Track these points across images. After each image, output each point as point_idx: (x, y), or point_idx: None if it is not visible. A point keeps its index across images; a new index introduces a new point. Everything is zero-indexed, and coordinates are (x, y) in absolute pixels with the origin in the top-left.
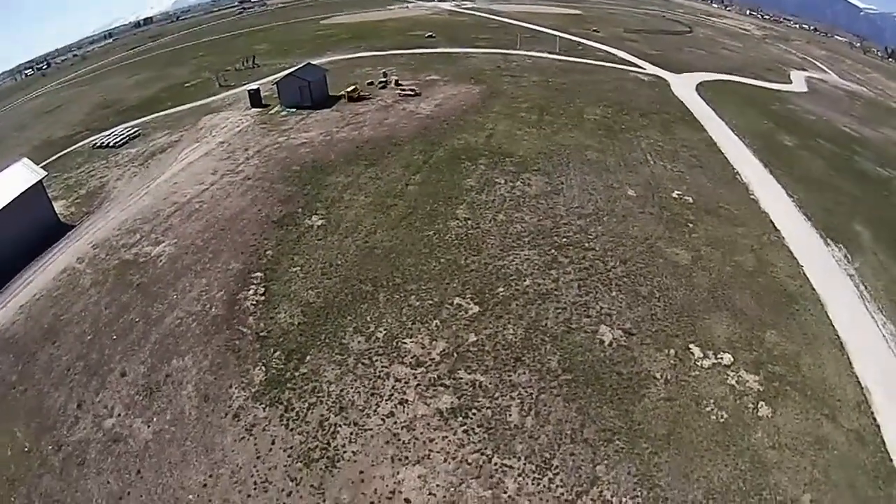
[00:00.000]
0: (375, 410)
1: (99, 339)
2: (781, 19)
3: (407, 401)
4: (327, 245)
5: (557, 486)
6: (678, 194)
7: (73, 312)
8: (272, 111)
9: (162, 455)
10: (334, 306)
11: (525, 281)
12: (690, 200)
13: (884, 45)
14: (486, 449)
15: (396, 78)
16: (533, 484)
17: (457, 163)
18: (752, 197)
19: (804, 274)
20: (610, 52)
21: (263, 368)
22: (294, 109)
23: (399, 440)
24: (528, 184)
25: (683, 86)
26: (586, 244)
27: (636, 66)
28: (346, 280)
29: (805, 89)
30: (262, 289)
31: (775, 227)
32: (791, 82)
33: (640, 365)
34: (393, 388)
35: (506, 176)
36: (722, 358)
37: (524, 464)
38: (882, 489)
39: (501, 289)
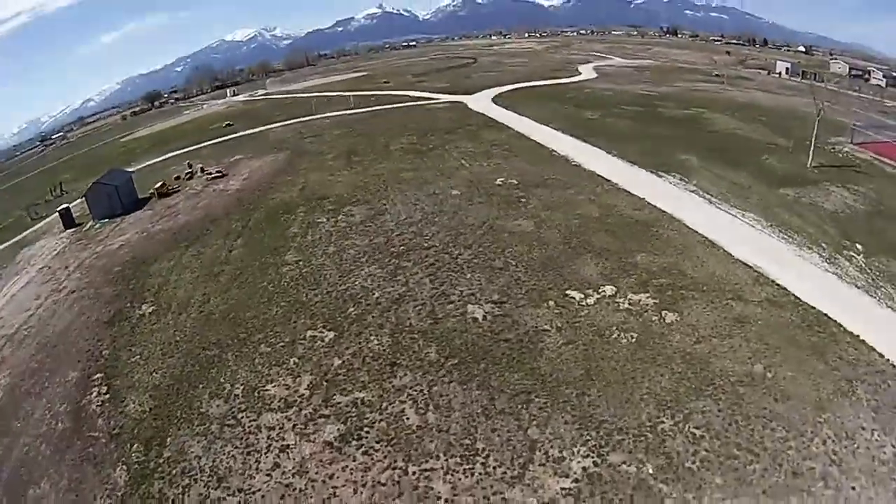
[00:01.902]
0: (257, 468)
1: None
2: (560, 32)
3: (288, 445)
4: (162, 327)
5: (495, 468)
6: (502, 181)
7: None
8: (86, 228)
9: None
10: (183, 381)
11: (374, 294)
12: (515, 182)
13: (659, 25)
14: (396, 462)
15: (202, 165)
16: (466, 476)
17: (275, 218)
18: (573, 164)
19: (650, 204)
20: (403, 95)
21: (125, 467)
22: (107, 220)
23: (295, 490)
24: (351, 215)
25: (479, 102)
26: (425, 245)
27: (431, 98)
28: (188, 353)
29: (595, 75)
30: (105, 388)
31: (606, 180)
32: (580, 73)
33: (524, 326)
34: (269, 437)
35: (326, 215)
36: (604, 291)
37: (446, 461)
38: (820, 331)
39: (352, 308)
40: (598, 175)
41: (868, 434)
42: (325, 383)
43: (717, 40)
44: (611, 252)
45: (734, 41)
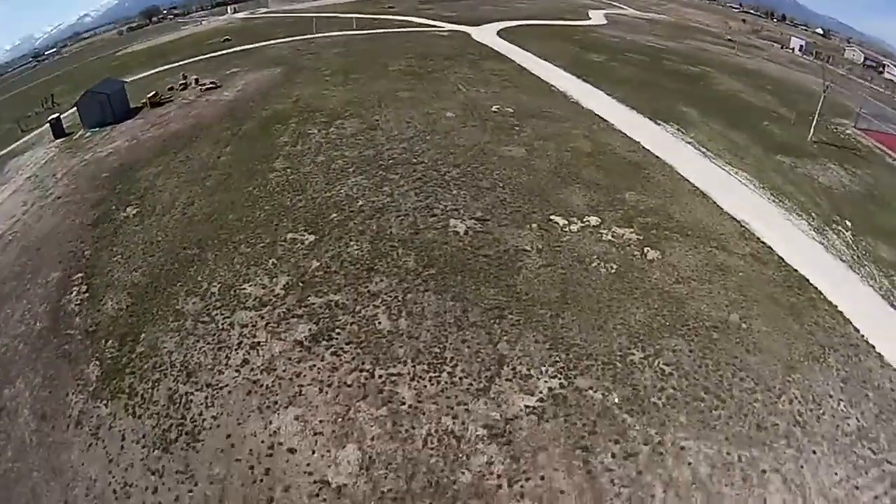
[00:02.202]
0: (227, 364)
1: None
2: None
3: (259, 343)
4: (145, 228)
5: (461, 378)
6: (497, 108)
7: None
8: (76, 136)
9: (10, 501)
10: (161, 278)
11: (358, 202)
12: (511, 111)
13: None
14: (363, 365)
15: (196, 77)
16: (432, 384)
17: (267, 128)
18: (572, 101)
19: (644, 148)
20: (408, 21)
21: (98, 363)
22: (97, 129)
23: (261, 386)
24: (343, 128)
25: (484, 34)
26: (414, 160)
27: (435, 26)
28: (169, 252)
29: (605, 22)
30: (84, 287)
31: (603, 119)
32: (590, 18)
33: (505, 244)
34: (241, 335)
35: (318, 126)
36: (589, 221)
37: (413, 367)
38: (800, 294)
39: (335, 214)
40: (595, 114)
41: (835, 403)
42: (301, 284)
43: (735, 7)
44: (599, 186)
45: (751, 11)
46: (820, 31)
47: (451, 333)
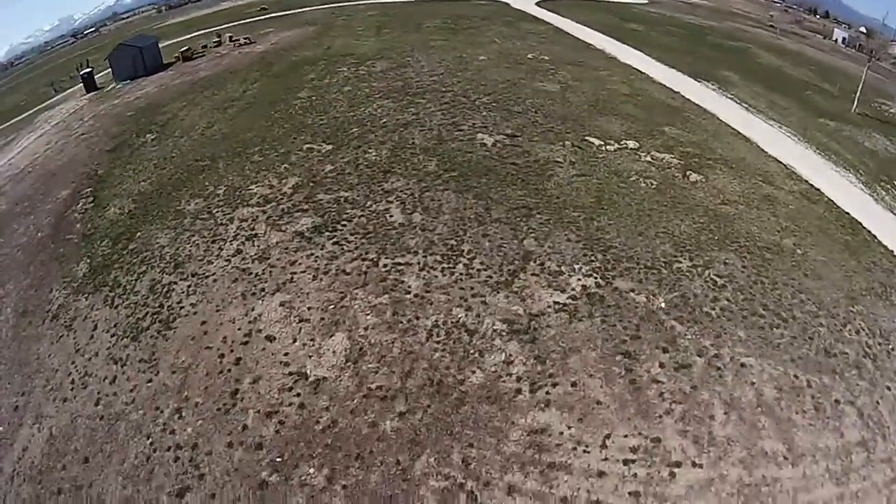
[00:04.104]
0: (218, 255)
1: None
2: None
3: (256, 235)
4: (161, 148)
5: (479, 271)
6: (532, 56)
7: None
8: (107, 89)
9: None
10: (168, 186)
11: (382, 120)
12: (547, 58)
13: None
14: (367, 254)
15: (231, 34)
16: (444, 276)
17: (296, 68)
18: (609, 56)
19: (684, 97)
20: None
21: (88, 260)
22: (129, 81)
23: (250, 274)
24: (373, 66)
25: (523, 2)
26: (443, 90)
27: None
28: (180, 165)
29: (645, 1)
30: (91, 199)
31: (641, 72)
32: None
33: (535, 155)
34: (238, 228)
35: (347, 66)
36: (626, 144)
37: (424, 257)
38: (854, 234)
39: (356, 129)
40: (634, 68)
41: None
42: (311, 184)
43: (777, 2)
44: (637, 119)
45: (794, 6)
46: (864, 29)
47: (470, 228)
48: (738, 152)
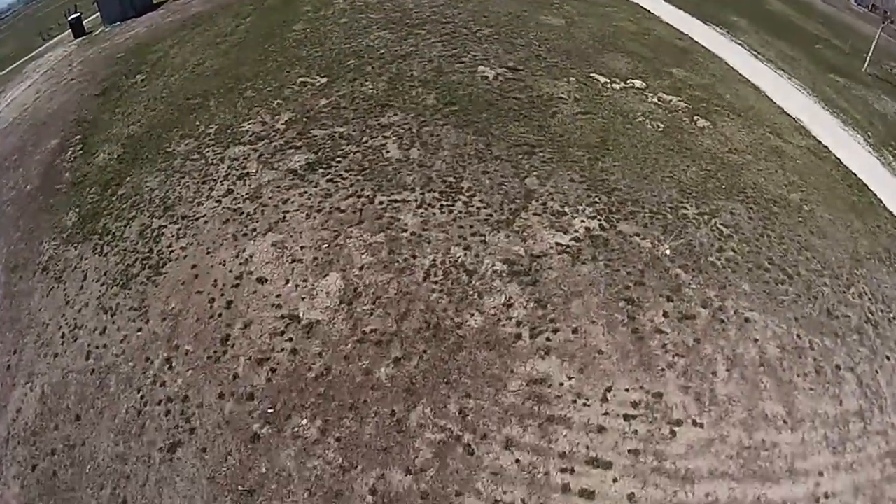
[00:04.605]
0: (209, 195)
1: None
2: None
3: (248, 173)
4: (152, 88)
5: (479, 209)
6: None
7: None
8: (96, 33)
9: None
10: (158, 127)
11: (380, 51)
12: None
13: None
14: (363, 191)
15: None
16: (442, 213)
17: (291, 1)
18: None
19: (692, 38)
20: None
21: (77, 209)
22: (118, 23)
23: (241, 214)
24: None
25: None
26: (443, 21)
27: None
28: (171, 104)
29: None
30: (80, 146)
31: (649, 11)
32: None
33: (538, 90)
34: (229, 167)
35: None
36: (633, 83)
37: (422, 194)
38: (861, 195)
39: (352, 61)
40: (641, 6)
41: None
42: (304, 119)
43: None
44: (644, 59)
45: None
46: None
47: (470, 164)
48: (746, 100)
